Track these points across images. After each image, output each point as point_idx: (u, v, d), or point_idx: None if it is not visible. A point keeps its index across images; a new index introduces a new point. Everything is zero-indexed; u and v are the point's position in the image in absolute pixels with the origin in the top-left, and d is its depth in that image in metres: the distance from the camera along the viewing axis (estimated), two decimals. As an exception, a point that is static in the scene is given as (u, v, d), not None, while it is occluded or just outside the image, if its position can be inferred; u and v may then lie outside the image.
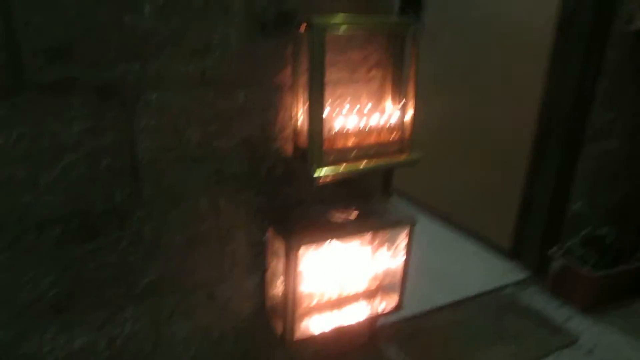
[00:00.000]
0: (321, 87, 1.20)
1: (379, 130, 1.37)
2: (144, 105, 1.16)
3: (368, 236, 1.56)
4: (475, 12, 2.52)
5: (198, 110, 1.22)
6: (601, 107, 2.11)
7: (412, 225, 1.45)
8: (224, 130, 1.27)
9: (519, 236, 2.45)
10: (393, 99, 1.43)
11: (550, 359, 1.83)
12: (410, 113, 1.37)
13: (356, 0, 1.33)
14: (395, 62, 1.42)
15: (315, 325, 1.47)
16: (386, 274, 1.60)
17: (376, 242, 1.58)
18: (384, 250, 1.57)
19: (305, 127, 1.26)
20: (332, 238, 1.36)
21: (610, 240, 2.13)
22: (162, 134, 1.20)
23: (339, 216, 1.40)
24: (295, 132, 1.33)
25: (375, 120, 1.36)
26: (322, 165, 1.25)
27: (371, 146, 1.36)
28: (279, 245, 1.35)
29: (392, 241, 1.54)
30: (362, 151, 1.35)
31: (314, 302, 1.52)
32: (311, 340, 1.60)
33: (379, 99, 1.46)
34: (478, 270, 2.42)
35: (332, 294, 1.55)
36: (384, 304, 1.58)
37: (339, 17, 1.26)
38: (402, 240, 1.49)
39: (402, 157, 1.40)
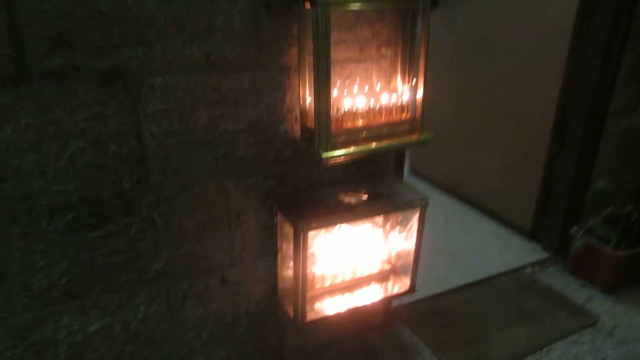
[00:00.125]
0: (327, 66, 1.17)
1: (390, 110, 1.34)
2: (149, 90, 1.15)
3: (379, 218, 1.54)
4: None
5: (203, 93, 1.21)
6: (626, 80, 2.02)
7: (423, 206, 1.42)
8: (230, 114, 1.25)
9: (539, 215, 2.39)
10: (403, 77, 1.39)
11: (569, 340, 1.80)
12: (421, 91, 1.33)
13: (363, -25, 1.29)
14: (406, 39, 1.37)
15: (327, 307, 1.47)
16: (399, 256, 1.58)
17: (388, 224, 1.56)
18: (396, 232, 1.55)
19: (313, 108, 1.24)
20: (340, 222, 1.34)
21: (634, 219, 2.05)
22: (167, 119, 1.19)
23: (349, 199, 1.37)
24: (303, 114, 1.30)
25: (386, 99, 1.33)
26: (329, 146, 1.22)
27: (381, 126, 1.33)
28: (288, 229, 1.34)
29: (404, 223, 1.51)
30: (372, 132, 1.32)
31: (326, 284, 1.51)
32: (324, 322, 1.61)
33: (389, 78, 1.42)
34: (497, 250, 2.38)
35: (344, 276, 1.54)
36: (397, 286, 1.57)
37: (345, -7, 1.21)
38: (414, 222, 1.46)
39: (414, 137, 1.36)
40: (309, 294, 1.43)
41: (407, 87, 1.37)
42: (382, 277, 1.60)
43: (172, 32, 1.12)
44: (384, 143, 1.32)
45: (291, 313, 1.41)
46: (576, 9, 2.01)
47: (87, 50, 1.06)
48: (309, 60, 1.22)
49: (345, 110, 1.28)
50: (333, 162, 1.26)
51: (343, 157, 1.26)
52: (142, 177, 1.21)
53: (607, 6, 1.91)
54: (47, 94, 1.05)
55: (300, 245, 1.28)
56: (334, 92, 1.30)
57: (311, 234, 1.30)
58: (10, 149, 1.05)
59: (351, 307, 1.48)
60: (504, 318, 1.91)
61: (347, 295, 1.53)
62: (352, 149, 1.27)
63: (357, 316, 1.71)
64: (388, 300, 1.77)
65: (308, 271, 1.35)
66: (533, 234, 2.44)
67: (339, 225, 1.39)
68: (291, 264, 1.37)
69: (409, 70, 1.37)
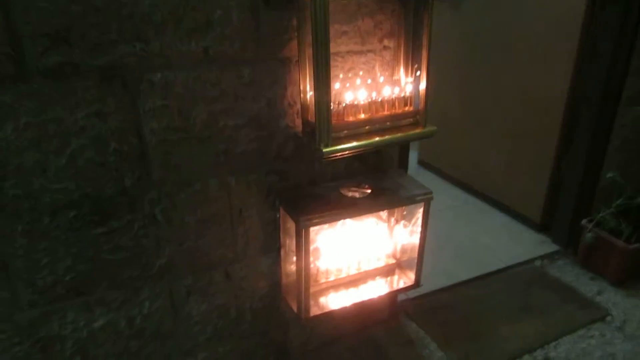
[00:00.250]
0: (327, 58, 1.15)
1: (392, 103, 1.32)
2: (148, 86, 1.14)
3: (383, 213, 1.52)
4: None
5: (203, 89, 1.20)
6: (638, 69, 1.96)
7: (427, 201, 1.40)
8: (231, 109, 1.25)
9: (549, 208, 2.36)
10: (406, 69, 1.36)
11: (578, 334, 1.78)
12: (424, 83, 1.31)
13: (364, -35, 1.27)
14: (409, 30, 1.35)
15: (332, 302, 1.47)
16: (404, 250, 1.56)
17: (392, 218, 1.54)
18: (400, 226, 1.54)
19: (314, 102, 1.22)
20: (343, 217, 1.33)
21: (646, 211, 2.01)
22: (167, 115, 1.18)
23: (352, 193, 1.36)
24: (304, 108, 1.29)
25: (388, 92, 1.31)
26: (330, 141, 1.21)
27: (384, 120, 1.31)
28: (290, 225, 1.33)
29: (408, 217, 1.50)
30: (375, 125, 1.30)
31: (330, 279, 1.51)
32: (329, 317, 1.60)
33: (391, 70, 1.40)
34: (506, 243, 2.35)
35: (349, 271, 1.53)
36: (402, 281, 1.56)
37: (344, -17, 1.20)
38: (419, 216, 1.44)
39: (417, 130, 1.34)
40: (313, 289, 1.43)
41: (410, 79, 1.35)
42: (387, 272, 1.59)
43: (169, 27, 1.11)
44: (387, 137, 1.30)
45: (295, 308, 1.41)
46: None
47: (84, 47, 1.05)
48: (309, 53, 1.20)
49: (347, 103, 1.26)
50: (334, 156, 1.24)
51: (344, 151, 1.24)
52: (143, 173, 1.21)
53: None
54: (47, 92, 1.05)
55: (302, 241, 1.27)
56: (336, 85, 1.28)
57: (313, 229, 1.29)
58: (11, 147, 1.05)
59: (356, 301, 1.47)
60: (512, 312, 1.89)
61: (352, 290, 1.52)
62: (354, 144, 1.25)
63: (362, 311, 1.71)
64: (393, 295, 1.76)
65: (312, 266, 1.34)
66: (543, 227, 2.41)
67: (339, 220, 1.38)
68: (294, 259, 1.36)
69: (412, 62, 1.35)
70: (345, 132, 1.26)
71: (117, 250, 1.24)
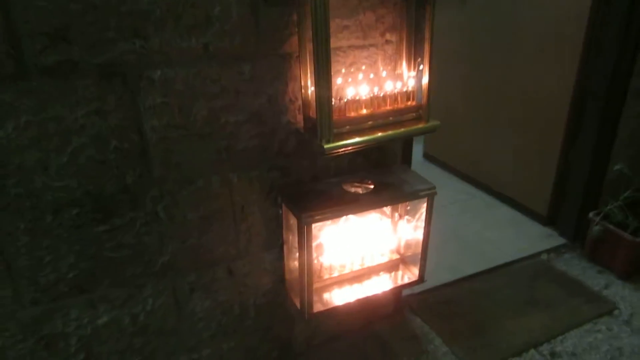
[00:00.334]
0: (327, 53, 1.14)
1: (395, 98, 1.30)
2: (148, 83, 1.14)
3: (387, 208, 1.51)
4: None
5: (203, 85, 1.19)
6: (646, 59, 1.94)
7: (431, 196, 1.39)
8: (232, 105, 1.24)
9: (556, 201, 2.34)
10: (409, 63, 1.35)
11: (585, 328, 1.76)
12: (426, 77, 1.29)
13: (365, -42, 1.25)
14: (411, 24, 1.33)
15: (336, 298, 1.46)
16: (408, 245, 1.56)
17: (396, 213, 1.53)
18: (404, 221, 1.53)
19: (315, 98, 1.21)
20: (345, 213, 1.32)
21: (654, 204, 1.99)
22: (168, 112, 1.18)
23: (354, 189, 1.35)
24: (306, 104, 1.28)
25: (391, 87, 1.29)
26: (332, 137, 1.20)
27: (387, 115, 1.30)
28: (292, 221, 1.33)
29: (412, 212, 1.49)
30: (377, 120, 1.29)
31: (334, 275, 1.50)
32: (333, 313, 1.60)
33: (394, 64, 1.38)
34: (512, 236, 2.34)
35: (352, 266, 1.53)
36: (407, 276, 1.55)
37: (345, -23, 1.18)
38: (423, 211, 1.43)
39: (420, 125, 1.33)
40: (316, 285, 1.42)
41: (412, 73, 1.33)
42: (391, 267, 1.58)
43: (169, 23, 1.10)
44: (390, 132, 1.29)
45: (298, 305, 1.41)
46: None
47: (84, 45, 1.05)
48: (309, 48, 1.19)
49: (349, 98, 1.25)
50: (337, 152, 1.23)
51: (346, 147, 1.23)
52: (144, 171, 1.20)
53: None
54: (46, 90, 1.05)
55: (304, 238, 1.26)
56: (338, 81, 1.27)
57: (315, 225, 1.28)
58: (12, 146, 1.05)
59: (360, 297, 1.47)
60: (518, 306, 1.88)
61: (356, 285, 1.52)
62: (356, 139, 1.24)
63: (366, 306, 1.70)
64: (398, 290, 1.76)
65: (315, 263, 1.34)
66: (549, 220, 2.39)
67: (342, 216, 1.37)
68: (297, 255, 1.36)
69: (415, 56, 1.33)
70: (348, 127, 1.25)
71: (119, 248, 1.24)
